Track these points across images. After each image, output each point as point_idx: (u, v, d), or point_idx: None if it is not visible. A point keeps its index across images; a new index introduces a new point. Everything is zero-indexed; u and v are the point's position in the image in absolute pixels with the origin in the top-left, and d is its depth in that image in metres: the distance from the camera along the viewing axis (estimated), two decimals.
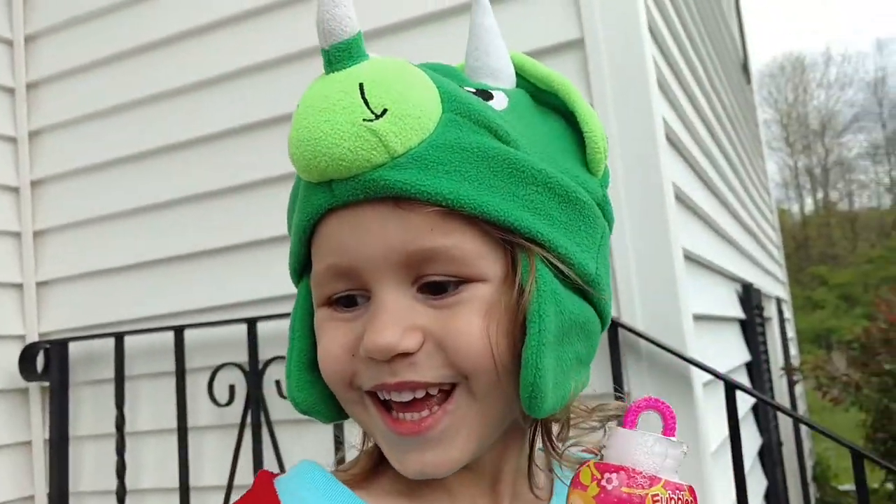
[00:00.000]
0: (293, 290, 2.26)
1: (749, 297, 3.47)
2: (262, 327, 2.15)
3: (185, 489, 2.16)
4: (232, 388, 2.16)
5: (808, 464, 5.50)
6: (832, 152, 30.95)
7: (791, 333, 7.32)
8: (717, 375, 1.68)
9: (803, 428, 5.46)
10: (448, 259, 0.60)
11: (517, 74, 0.71)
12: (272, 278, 2.21)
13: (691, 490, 0.57)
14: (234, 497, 2.08)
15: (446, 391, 0.61)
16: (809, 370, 5.07)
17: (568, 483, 0.65)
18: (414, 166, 0.59)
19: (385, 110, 0.58)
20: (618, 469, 0.56)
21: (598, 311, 0.67)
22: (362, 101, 0.58)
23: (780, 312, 5.93)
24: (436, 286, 0.61)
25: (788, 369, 5.25)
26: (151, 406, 2.37)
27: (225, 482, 2.13)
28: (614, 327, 1.79)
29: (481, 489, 0.68)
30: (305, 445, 2.12)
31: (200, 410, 2.26)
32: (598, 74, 1.90)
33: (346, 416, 0.69)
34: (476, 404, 0.61)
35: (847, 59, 32.27)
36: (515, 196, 0.61)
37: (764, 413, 3.39)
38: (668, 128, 2.09)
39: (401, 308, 0.60)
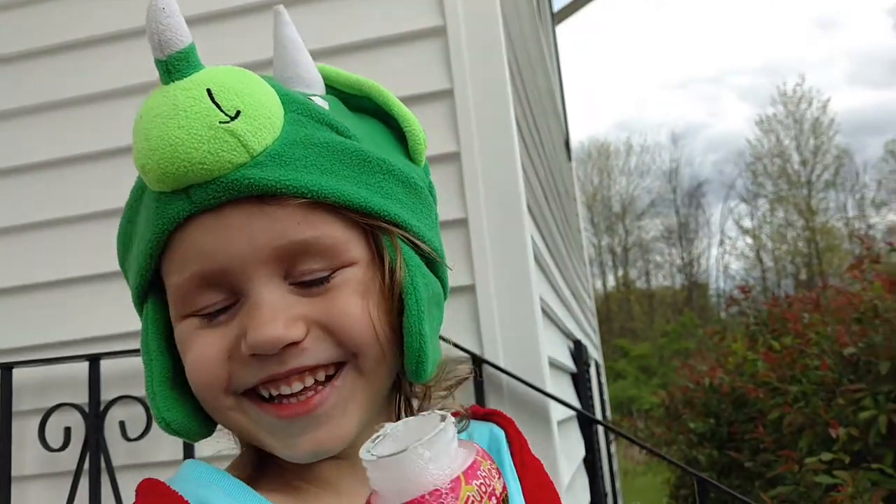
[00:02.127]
0: (140, 325, 2.13)
1: (580, 352, 3.66)
2: (104, 365, 2.01)
3: None
4: (67, 432, 1.99)
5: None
6: (632, 234, 33.50)
7: (606, 397, 7.74)
8: (575, 409, 1.78)
9: (618, 484, 5.74)
10: (318, 249, 0.62)
11: (325, 84, 0.74)
12: (117, 314, 2.09)
13: (481, 452, 0.52)
14: None
15: (330, 375, 0.64)
16: (628, 427, 5.39)
17: None
18: (273, 164, 0.61)
19: (238, 112, 0.59)
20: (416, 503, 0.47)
21: (441, 284, 0.73)
22: (213, 104, 0.59)
23: (598, 375, 6.28)
24: (309, 282, 0.63)
25: (607, 426, 5.54)
26: None
27: None
28: (479, 365, 1.85)
29: (358, 477, 0.66)
30: None
31: (27, 457, 2.07)
32: (466, 133, 1.99)
33: (211, 433, 0.71)
34: (362, 379, 0.65)
35: (646, 150, 35.35)
36: (368, 184, 0.65)
37: (591, 466, 3.55)
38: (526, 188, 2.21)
39: (278, 301, 0.61)
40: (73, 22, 2.28)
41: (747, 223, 31.67)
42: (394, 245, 0.66)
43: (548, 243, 3.18)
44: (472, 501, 0.47)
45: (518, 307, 1.91)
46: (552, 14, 7.91)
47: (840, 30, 51.86)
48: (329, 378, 0.63)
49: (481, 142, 1.98)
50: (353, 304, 0.63)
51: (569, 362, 3.39)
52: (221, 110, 0.59)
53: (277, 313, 0.60)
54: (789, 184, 30.99)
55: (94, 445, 1.97)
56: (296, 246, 0.61)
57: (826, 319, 3.46)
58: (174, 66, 0.60)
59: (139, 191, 0.66)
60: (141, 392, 1.99)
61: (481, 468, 0.49)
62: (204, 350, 0.62)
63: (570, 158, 7.35)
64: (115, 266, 2.17)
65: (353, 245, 0.64)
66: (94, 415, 1.98)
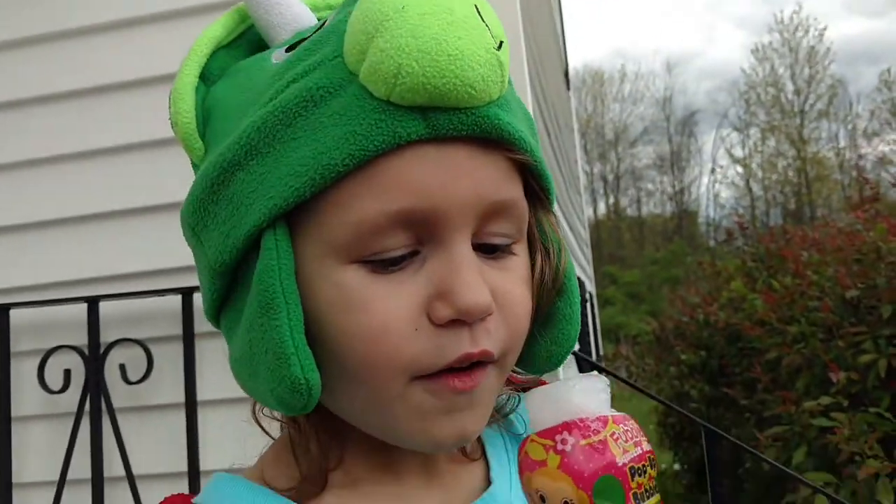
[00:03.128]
0: (140, 267, 2.08)
1: (579, 289, 3.65)
2: (103, 307, 1.97)
3: (6, 486, 1.94)
4: (67, 374, 1.96)
5: None
6: (624, 161, 33.39)
7: (598, 327, 7.83)
8: (581, 357, 1.76)
9: None
10: (514, 214, 0.55)
11: None
12: (116, 254, 2.04)
13: (635, 419, 0.53)
14: (69, 493, 1.91)
15: None
16: (620, 362, 5.45)
17: (496, 437, 0.65)
18: (508, 110, 0.53)
19: (501, 42, 0.51)
20: (565, 428, 0.49)
21: None
22: (485, 25, 0.50)
23: (592, 307, 6.32)
24: (493, 249, 0.55)
25: (594, 364, 5.61)
26: None
27: (55, 477, 1.93)
28: None
29: (420, 459, 0.62)
30: (151, 435, 1.98)
31: (27, 398, 2.04)
32: None
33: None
34: (499, 380, 0.57)
35: (640, 77, 34.90)
36: (540, 157, 0.58)
37: None
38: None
39: (476, 263, 0.53)
40: (63, 12, 2.14)
41: (739, 152, 31.57)
42: (551, 226, 0.60)
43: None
44: (617, 439, 0.48)
45: None
46: None
47: None
48: None
49: None
50: (523, 292, 0.56)
51: None
52: (491, 35, 0.50)
53: (479, 276, 0.52)
54: (782, 113, 30.80)
55: (95, 388, 1.94)
56: (502, 204, 0.54)
57: (827, 259, 3.44)
58: None
59: (313, 90, 0.51)
60: (141, 335, 1.96)
61: (630, 422, 0.51)
62: (389, 316, 0.51)
63: (568, 88, 7.23)
64: (114, 205, 2.10)
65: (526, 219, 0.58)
66: (94, 357, 1.95)
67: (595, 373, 0.49)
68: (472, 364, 0.53)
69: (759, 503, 3.83)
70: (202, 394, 1.94)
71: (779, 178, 30.76)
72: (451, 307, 0.51)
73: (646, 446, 0.50)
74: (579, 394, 0.50)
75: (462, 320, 0.51)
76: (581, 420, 0.49)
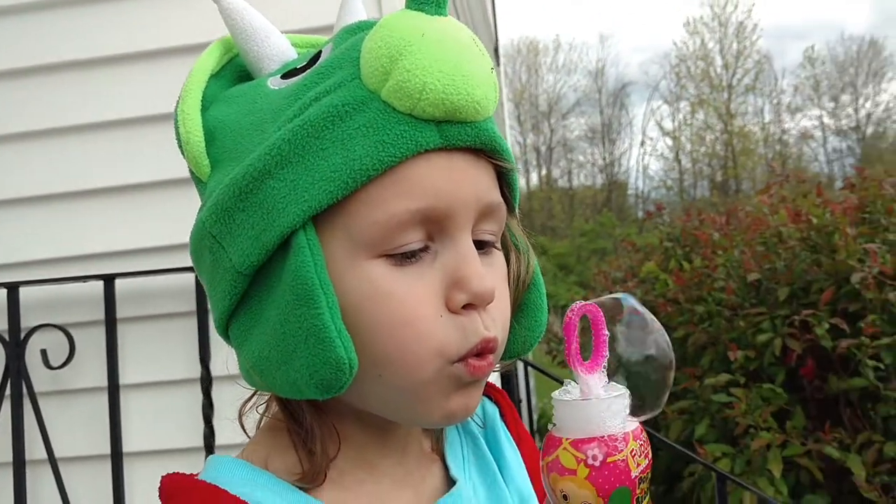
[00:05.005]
0: (61, 253, 2.08)
1: None
2: (23, 292, 1.99)
3: None
4: None
5: (534, 416, 6.06)
6: (556, 133, 33.63)
7: None
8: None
9: (534, 400, 6.01)
10: (499, 215, 0.64)
11: None
12: (38, 239, 2.05)
13: (641, 427, 0.60)
14: None
15: None
16: (549, 333, 5.59)
17: (453, 435, 0.75)
18: (494, 123, 0.63)
19: (492, 67, 0.61)
20: (593, 441, 0.56)
21: None
22: (482, 52, 0.60)
23: None
24: (480, 244, 0.63)
25: (532, 365, 5.75)
26: None
27: None
28: None
29: (395, 458, 0.69)
30: (73, 418, 2.01)
31: None
32: None
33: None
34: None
35: (574, 48, 35.11)
36: None
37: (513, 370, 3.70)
38: None
39: (477, 256, 0.62)
40: None
41: (668, 125, 32.16)
42: (519, 229, 0.70)
43: None
44: (635, 455, 0.56)
45: None
46: None
47: None
48: None
49: None
50: (505, 287, 0.65)
51: None
52: (487, 60, 0.60)
53: (483, 267, 0.61)
54: (711, 87, 31.41)
55: (15, 373, 1.96)
56: (494, 206, 0.63)
57: (734, 242, 3.62)
58: (443, 2, 0.59)
59: (339, 107, 0.58)
60: (62, 320, 1.98)
61: (643, 434, 0.58)
62: (420, 301, 0.59)
63: (498, 64, 7.30)
64: (33, 191, 2.08)
65: None
66: (15, 343, 1.96)
67: (616, 385, 0.57)
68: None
69: (668, 469, 4.03)
70: (124, 378, 1.98)
71: (707, 150, 31.42)
72: (467, 292, 0.59)
73: (650, 456, 0.59)
74: (610, 414, 0.57)
75: (473, 306, 0.60)
76: (610, 437, 0.56)
